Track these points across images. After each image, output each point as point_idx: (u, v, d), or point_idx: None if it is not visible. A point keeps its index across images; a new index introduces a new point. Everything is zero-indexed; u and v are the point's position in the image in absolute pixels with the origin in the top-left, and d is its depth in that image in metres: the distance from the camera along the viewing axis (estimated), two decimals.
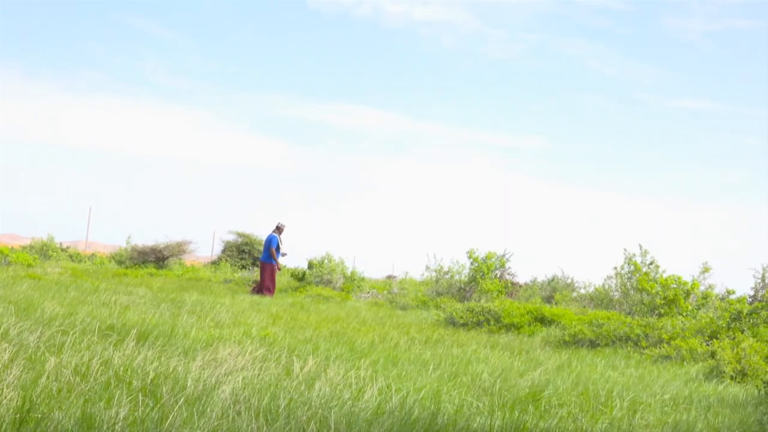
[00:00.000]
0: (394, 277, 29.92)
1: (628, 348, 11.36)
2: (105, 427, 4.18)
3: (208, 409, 4.68)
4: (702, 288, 15.45)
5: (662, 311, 14.52)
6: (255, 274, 24.23)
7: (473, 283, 19.77)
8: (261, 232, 31.34)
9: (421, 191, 63.10)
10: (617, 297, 17.54)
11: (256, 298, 16.43)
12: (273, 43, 57.21)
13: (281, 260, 19.20)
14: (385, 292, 21.69)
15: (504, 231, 54.12)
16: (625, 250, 16.91)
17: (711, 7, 53.31)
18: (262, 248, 29.53)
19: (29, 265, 20.75)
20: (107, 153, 64.67)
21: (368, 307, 16.75)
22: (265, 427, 4.45)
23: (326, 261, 24.44)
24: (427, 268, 21.07)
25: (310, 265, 25.02)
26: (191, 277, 23.33)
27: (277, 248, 18.61)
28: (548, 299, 21.79)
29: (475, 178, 62.49)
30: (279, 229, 18.76)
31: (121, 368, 5.68)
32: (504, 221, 55.71)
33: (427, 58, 57.29)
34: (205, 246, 67.77)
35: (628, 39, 54.95)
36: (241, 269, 27.24)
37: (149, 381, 5.35)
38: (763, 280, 17.46)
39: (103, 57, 58.80)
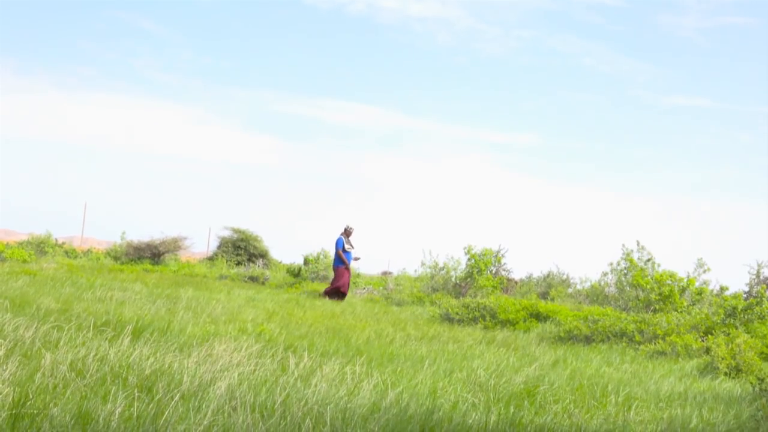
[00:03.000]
0: (389, 273, 29.92)
1: (623, 344, 11.39)
2: (101, 423, 4.18)
3: (204, 405, 4.69)
4: (697, 284, 15.50)
5: (657, 307, 14.56)
6: (251, 270, 24.23)
7: (469, 279, 19.78)
8: (256, 228, 31.34)
9: (416, 187, 63.06)
10: (612, 293, 17.58)
11: (252, 293, 16.43)
12: (266, 38, 57.11)
13: (354, 264, 18.64)
14: (381, 288, 21.70)
15: (499, 227, 54.14)
16: (623, 245, 16.96)
17: (705, 4, 53.35)
18: (257, 245, 29.61)
19: (24, 261, 20.71)
20: (101, 149, 64.44)
21: (364, 303, 16.76)
22: (260, 423, 4.45)
23: (322, 257, 24.45)
24: (423, 264, 21.07)
25: (306, 261, 25.02)
26: (187, 273, 23.31)
27: (344, 250, 18.21)
28: (544, 295, 21.82)
29: (470, 174, 62.47)
30: (346, 232, 18.41)
31: (117, 364, 5.68)
32: (499, 218, 55.71)
33: (421, 55, 57.21)
34: (200, 242, 67.75)
35: (622, 36, 54.95)
36: (236, 265, 27.21)
37: (145, 377, 5.36)
38: (757, 276, 17.52)
39: (95, 53, 58.59)
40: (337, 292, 17.71)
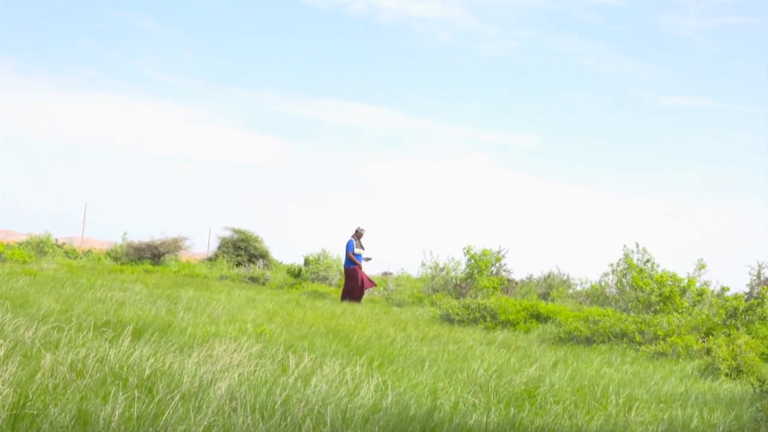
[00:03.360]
0: (390, 273, 29.91)
1: (624, 345, 11.37)
2: (101, 424, 4.18)
3: (204, 406, 4.68)
4: (698, 285, 15.49)
5: (658, 308, 14.55)
6: (251, 270, 24.23)
7: (469, 280, 19.77)
8: (256, 229, 31.32)
9: (417, 188, 63.01)
10: (613, 294, 17.58)
11: (252, 294, 16.42)
12: (267, 38, 57.08)
13: (363, 264, 18.40)
14: (381, 288, 21.69)
15: (499, 227, 54.10)
16: (624, 246, 16.96)
17: (706, 5, 53.36)
18: (257, 245, 29.61)
19: (24, 262, 20.70)
20: (102, 149, 64.43)
21: (364, 304, 16.75)
22: (260, 424, 4.45)
23: (322, 257, 24.44)
24: (423, 264, 21.06)
25: (306, 262, 25.02)
26: (187, 273, 23.31)
27: (354, 253, 18.03)
28: (544, 296, 21.81)
29: (470, 174, 62.43)
30: (357, 234, 18.27)
31: (117, 365, 5.67)
32: (499, 218, 55.68)
33: (421, 55, 57.18)
34: (201, 242, 67.73)
35: (623, 36, 54.94)
36: (237, 266, 27.20)
37: (145, 377, 5.35)
38: (758, 276, 17.51)
39: (95, 53, 58.56)
40: (355, 292, 17.58)
